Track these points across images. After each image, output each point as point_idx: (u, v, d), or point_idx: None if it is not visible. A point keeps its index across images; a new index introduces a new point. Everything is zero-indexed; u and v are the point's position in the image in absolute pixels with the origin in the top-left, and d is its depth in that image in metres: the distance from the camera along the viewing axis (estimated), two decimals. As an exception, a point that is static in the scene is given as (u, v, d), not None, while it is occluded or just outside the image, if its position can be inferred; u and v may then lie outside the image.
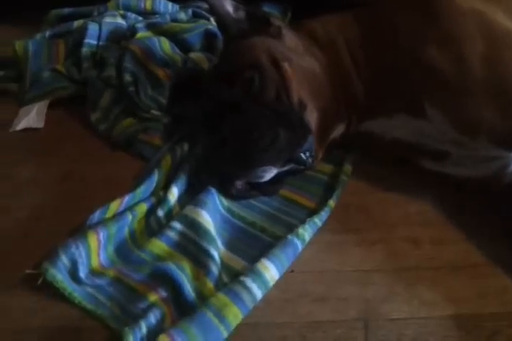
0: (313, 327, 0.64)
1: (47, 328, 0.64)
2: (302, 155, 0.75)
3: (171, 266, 0.68)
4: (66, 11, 1.28)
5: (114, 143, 0.93)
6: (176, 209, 0.78)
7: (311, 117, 0.77)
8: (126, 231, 0.74)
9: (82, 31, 1.11)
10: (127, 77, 0.98)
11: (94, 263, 0.70)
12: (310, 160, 0.76)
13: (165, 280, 0.67)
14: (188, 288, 0.66)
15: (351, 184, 0.83)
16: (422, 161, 0.82)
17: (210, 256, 0.69)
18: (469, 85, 0.71)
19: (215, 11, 0.86)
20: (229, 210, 0.78)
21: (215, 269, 0.68)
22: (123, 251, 0.73)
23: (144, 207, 0.77)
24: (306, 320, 0.65)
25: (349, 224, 0.77)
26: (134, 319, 0.63)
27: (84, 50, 1.07)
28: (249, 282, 0.64)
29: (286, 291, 0.68)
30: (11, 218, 0.81)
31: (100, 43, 1.10)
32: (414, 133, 0.79)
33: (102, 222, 0.73)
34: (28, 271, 0.69)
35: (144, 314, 0.63)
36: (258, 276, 0.65)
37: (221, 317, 0.61)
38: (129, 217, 0.74)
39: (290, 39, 0.82)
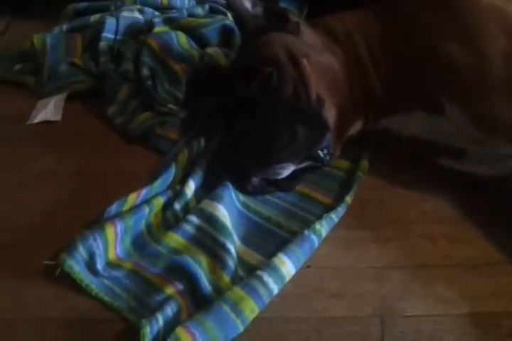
0: (328, 322, 0.64)
1: (65, 319, 0.65)
2: (320, 152, 0.75)
3: (188, 260, 0.68)
4: (83, 5, 1.27)
5: (130, 137, 0.93)
6: (192, 202, 0.78)
7: (329, 114, 0.76)
8: (143, 224, 0.75)
9: (100, 25, 1.11)
10: (145, 71, 0.98)
11: (111, 255, 0.71)
12: (328, 157, 0.76)
13: (181, 273, 0.67)
14: (205, 282, 0.66)
15: (367, 180, 0.82)
16: (438, 158, 0.82)
17: (227, 250, 0.69)
18: (490, 82, 0.70)
19: (232, 7, 0.86)
20: (245, 205, 0.78)
21: (231, 263, 0.68)
22: (140, 244, 0.73)
23: (160, 201, 0.77)
24: (321, 315, 0.65)
25: (365, 220, 0.77)
26: (150, 311, 0.63)
27: (102, 43, 1.07)
28: (265, 276, 0.65)
29: (302, 286, 0.68)
30: (29, 210, 0.82)
31: (117, 37, 1.10)
32: (431, 130, 0.79)
33: (119, 215, 0.74)
34: (45, 262, 0.70)
35: (160, 306, 0.63)
36: (275, 271, 0.65)
37: (237, 310, 0.61)
38: (146, 210, 0.75)
39: (308, 35, 0.82)
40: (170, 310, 0.63)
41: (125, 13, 1.15)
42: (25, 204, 0.83)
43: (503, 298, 0.66)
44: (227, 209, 0.74)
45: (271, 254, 0.69)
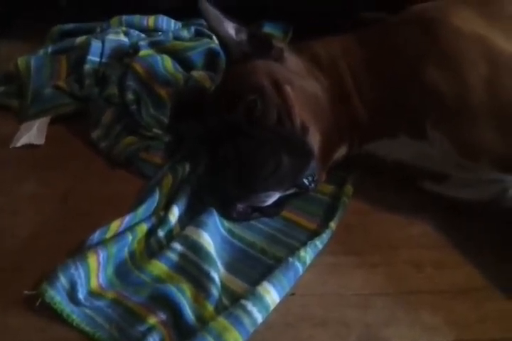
0: (314, 352, 0.63)
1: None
2: (305, 179, 0.75)
3: (171, 289, 0.67)
4: (69, 26, 1.29)
5: (114, 161, 0.93)
6: (176, 229, 0.77)
7: (314, 140, 0.77)
8: (126, 251, 0.74)
9: (85, 48, 1.12)
10: (129, 95, 0.98)
11: (94, 284, 0.69)
12: (313, 184, 0.76)
13: (164, 303, 0.66)
14: (188, 311, 0.65)
15: (352, 205, 0.82)
16: (422, 182, 0.82)
17: (211, 279, 0.68)
18: (470, 109, 0.71)
19: (216, 34, 0.85)
20: (229, 230, 0.78)
21: (215, 292, 0.67)
22: (122, 272, 0.72)
23: (144, 228, 0.76)
24: (307, 344, 0.64)
25: (350, 246, 0.77)
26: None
27: (87, 66, 1.08)
28: (249, 306, 0.64)
29: (286, 315, 0.67)
30: (11, 235, 0.80)
31: (103, 60, 1.11)
32: (415, 155, 0.79)
33: (102, 243, 0.73)
34: (26, 292, 0.68)
35: (143, 337, 0.62)
36: (259, 300, 0.65)
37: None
38: (129, 237, 0.74)
39: (292, 61, 0.82)
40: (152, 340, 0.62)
41: (111, 36, 1.16)
42: (9, 229, 0.82)
43: (488, 324, 0.66)
44: (211, 236, 0.73)
45: (255, 282, 0.68)
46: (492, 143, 0.70)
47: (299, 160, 0.72)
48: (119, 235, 0.74)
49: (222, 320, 0.62)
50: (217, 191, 0.76)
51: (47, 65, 1.12)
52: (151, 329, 0.63)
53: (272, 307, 0.66)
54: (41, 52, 1.19)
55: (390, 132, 0.79)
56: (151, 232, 0.76)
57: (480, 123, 0.71)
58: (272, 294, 0.66)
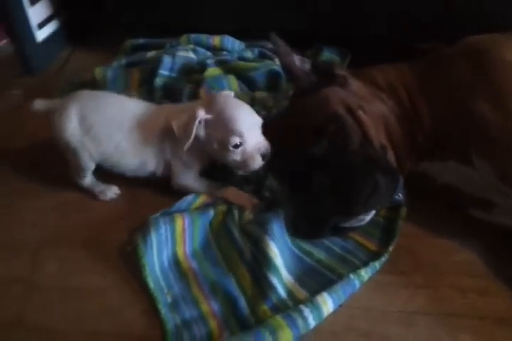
0: (357, 360, 0.67)
1: (112, 333, 0.69)
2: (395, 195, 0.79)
3: (232, 282, 0.75)
4: (141, 41, 1.38)
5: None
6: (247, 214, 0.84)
7: (392, 158, 0.81)
8: (208, 227, 0.82)
9: (157, 62, 1.20)
10: None
11: (180, 250, 0.79)
12: (403, 198, 0.80)
13: (221, 293, 0.73)
14: (244, 304, 0.72)
15: (403, 227, 0.85)
16: (470, 209, 0.85)
17: (271, 286, 0.74)
18: None
19: (286, 66, 0.90)
20: (298, 246, 0.82)
21: (273, 297, 0.72)
22: (205, 246, 0.81)
23: (224, 206, 0.85)
24: (351, 353, 0.68)
25: (398, 266, 0.80)
26: (180, 318, 0.70)
27: (158, 80, 1.16)
28: (307, 312, 0.69)
29: (333, 324, 0.71)
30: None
31: (172, 75, 1.18)
32: (462, 180, 0.83)
33: (188, 211, 0.82)
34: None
35: (190, 321, 0.69)
36: (316, 309, 0.69)
37: (275, 337, 0.66)
38: (211, 212, 0.83)
39: (356, 86, 0.87)
40: (197, 330, 0.69)
41: (181, 53, 1.24)
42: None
43: (528, 353, 0.68)
44: (279, 248, 0.78)
45: (316, 291, 0.73)
46: None
47: (390, 177, 0.76)
48: (203, 208, 0.84)
49: (279, 319, 0.67)
50: (309, 215, 0.79)
51: (121, 76, 1.21)
52: (200, 317, 0.70)
53: (325, 316, 0.71)
54: (115, 64, 1.27)
55: (440, 155, 0.83)
56: (228, 211, 0.85)
57: None
58: (328, 305, 0.71)
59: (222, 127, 0.80)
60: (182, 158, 0.87)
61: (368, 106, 0.83)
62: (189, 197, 0.86)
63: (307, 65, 0.89)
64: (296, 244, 0.82)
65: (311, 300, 0.70)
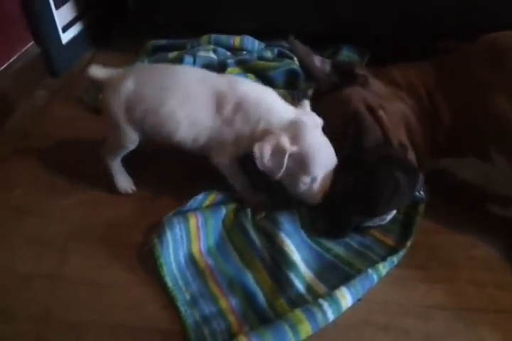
0: (375, 353, 0.68)
1: (136, 327, 0.72)
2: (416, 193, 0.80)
3: (249, 277, 0.76)
4: (162, 42, 1.40)
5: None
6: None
7: (412, 156, 0.82)
8: (221, 224, 0.84)
9: (179, 62, 1.22)
10: None
11: (195, 248, 0.81)
12: (423, 195, 0.82)
13: (239, 288, 0.75)
14: (262, 298, 0.73)
15: (421, 222, 0.86)
16: (488, 205, 0.86)
17: (289, 281, 0.75)
18: None
19: (307, 67, 0.91)
20: (317, 242, 0.84)
21: (290, 292, 0.74)
22: (219, 243, 0.83)
23: (234, 204, 0.87)
24: (369, 346, 0.69)
25: (416, 261, 0.81)
26: (199, 315, 0.72)
27: (180, 80, 1.18)
28: (325, 305, 0.70)
29: (352, 318, 0.72)
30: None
31: (194, 75, 1.20)
32: (481, 176, 0.84)
33: (201, 210, 0.84)
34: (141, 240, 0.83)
35: (209, 317, 0.71)
36: (335, 303, 0.71)
37: (295, 330, 0.67)
38: (223, 210, 0.85)
39: (376, 86, 0.88)
40: (217, 325, 0.70)
41: (202, 53, 1.27)
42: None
43: (547, 346, 0.69)
44: (295, 245, 0.80)
45: (334, 286, 0.74)
46: None
47: (410, 176, 0.77)
48: (214, 207, 0.85)
49: (299, 313, 0.69)
50: (332, 215, 0.80)
51: (144, 76, 1.23)
52: (219, 313, 0.72)
53: (344, 310, 0.72)
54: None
55: (459, 152, 0.84)
56: (239, 209, 0.87)
57: None
58: (346, 299, 0.72)
59: (300, 163, 0.78)
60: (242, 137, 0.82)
61: (388, 105, 0.84)
62: (200, 196, 0.87)
63: (327, 66, 0.90)
64: (314, 240, 0.84)
65: (329, 294, 0.72)
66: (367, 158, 0.77)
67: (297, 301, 0.73)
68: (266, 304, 0.73)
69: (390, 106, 0.84)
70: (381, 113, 0.81)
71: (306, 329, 0.68)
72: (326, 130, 0.81)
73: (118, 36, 1.57)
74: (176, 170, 0.98)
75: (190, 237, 0.80)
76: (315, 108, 0.88)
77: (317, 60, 0.90)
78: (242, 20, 1.39)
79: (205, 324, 0.70)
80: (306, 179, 0.78)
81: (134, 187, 0.94)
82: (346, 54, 1.35)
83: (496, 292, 0.76)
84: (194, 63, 1.22)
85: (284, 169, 0.77)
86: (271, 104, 0.82)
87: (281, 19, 1.36)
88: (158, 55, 1.35)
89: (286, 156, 0.76)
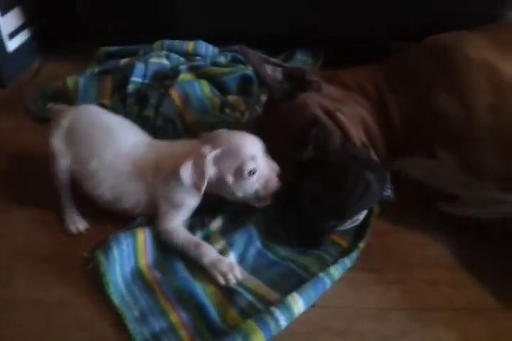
0: (332, 360, 0.68)
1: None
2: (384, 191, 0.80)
3: (198, 289, 0.74)
4: (114, 49, 1.38)
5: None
6: (214, 236, 0.84)
7: (374, 157, 0.82)
8: None
9: (129, 69, 1.20)
10: (159, 121, 1.06)
11: (142, 262, 0.79)
12: (391, 194, 0.81)
13: (189, 301, 0.73)
14: (213, 312, 0.72)
15: (374, 224, 0.87)
16: (438, 203, 0.87)
17: (234, 290, 0.75)
18: (476, 132, 0.77)
19: (259, 76, 0.90)
20: (270, 249, 0.83)
21: (239, 301, 0.73)
22: (166, 254, 0.81)
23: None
24: (325, 352, 0.69)
25: (370, 263, 0.81)
26: (149, 332, 0.69)
27: (130, 87, 1.16)
28: (277, 313, 0.69)
29: (307, 324, 0.72)
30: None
31: (145, 81, 1.19)
32: (429, 174, 0.85)
33: (149, 225, 0.82)
34: (84, 254, 0.80)
35: (160, 333, 0.69)
36: (286, 309, 0.70)
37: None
38: None
39: (330, 90, 0.88)
40: None
41: (153, 59, 1.24)
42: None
43: (501, 342, 0.69)
44: (240, 258, 0.80)
45: (287, 292, 0.73)
46: (495, 165, 0.75)
47: (378, 174, 0.77)
48: None
49: (251, 323, 0.68)
50: (302, 224, 0.79)
51: (93, 84, 1.21)
52: (170, 328, 0.70)
53: (296, 316, 0.71)
54: (88, 72, 1.27)
55: (409, 151, 0.85)
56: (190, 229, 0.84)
57: (484, 146, 0.76)
58: (299, 305, 0.71)
59: (233, 157, 0.77)
60: (173, 198, 0.82)
61: (345, 108, 0.84)
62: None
63: (278, 74, 0.89)
64: (270, 248, 0.83)
65: (281, 301, 0.71)
66: (332, 161, 0.77)
67: (249, 311, 0.72)
68: (218, 316, 0.71)
69: (347, 109, 0.84)
70: (339, 115, 0.81)
71: (259, 338, 0.67)
72: (285, 138, 0.80)
73: (68, 44, 1.53)
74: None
75: (137, 252, 0.78)
76: (270, 117, 0.88)
77: (268, 69, 0.89)
78: (196, 24, 1.37)
79: None
80: (250, 164, 0.77)
81: (83, 226, 0.87)
82: (300, 58, 1.36)
83: (450, 290, 0.77)
84: (146, 70, 1.20)
85: (207, 178, 0.76)
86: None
87: (237, 22, 1.34)
88: (109, 62, 1.32)
89: (208, 162, 0.76)
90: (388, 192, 0.82)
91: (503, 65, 0.79)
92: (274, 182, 0.79)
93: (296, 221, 0.79)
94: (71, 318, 0.73)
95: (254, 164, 0.77)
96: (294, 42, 1.38)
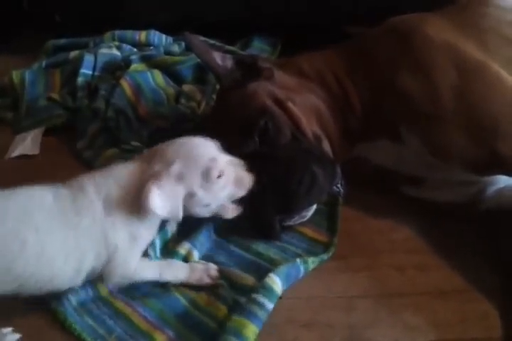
0: (299, 352, 0.65)
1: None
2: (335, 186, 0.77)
3: (181, 302, 0.70)
4: (63, 41, 1.32)
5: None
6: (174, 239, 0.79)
7: (327, 147, 0.80)
8: None
9: (78, 61, 1.15)
10: (110, 112, 1.02)
11: (104, 290, 0.71)
12: (342, 189, 0.80)
13: (173, 319, 0.68)
14: (200, 314, 0.69)
15: (340, 210, 0.85)
16: (401, 187, 0.86)
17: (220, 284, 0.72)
18: (440, 113, 0.75)
19: (206, 65, 0.87)
20: (233, 241, 0.80)
21: (225, 293, 0.70)
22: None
23: None
24: (292, 345, 0.66)
25: (337, 251, 0.79)
26: None
27: (80, 79, 1.11)
28: (261, 298, 0.67)
29: (274, 316, 0.69)
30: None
31: (95, 73, 1.14)
32: (394, 158, 0.83)
33: None
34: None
35: None
36: (268, 291, 0.68)
37: (242, 337, 0.64)
38: None
39: (282, 78, 0.85)
40: None
41: (103, 50, 1.19)
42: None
43: (469, 324, 0.69)
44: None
45: (260, 276, 0.71)
46: (461, 145, 0.74)
47: (327, 168, 0.75)
48: None
49: (238, 318, 0.65)
50: (254, 218, 0.76)
51: (41, 78, 1.15)
52: None
53: (279, 294, 0.69)
54: (35, 66, 1.21)
55: (373, 135, 0.83)
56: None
57: (449, 126, 0.75)
58: (278, 284, 0.70)
59: (193, 167, 0.67)
60: (135, 234, 0.67)
61: (296, 97, 0.81)
62: None
63: (229, 61, 0.86)
64: (233, 241, 0.80)
65: (261, 285, 0.69)
66: (280, 154, 0.74)
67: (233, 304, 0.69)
68: (207, 317, 0.68)
69: (299, 98, 0.81)
70: (290, 105, 0.78)
71: (252, 330, 0.64)
72: (232, 129, 0.77)
73: (15, 37, 1.46)
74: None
75: (95, 284, 0.71)
76: (220, 106, 0.84)
77: (218, 57, 0.85)
78: (149, 11, 1.33)
79: None
80: (213, 165, 0.67)
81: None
82: (257, 45, 1.32)
83: (418, 274, 0.75)
84: (95, 61, 1.15)
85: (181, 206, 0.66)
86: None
87: (189, 9, 1.30)
88: (58, 55, 1.26)
89: (172, 182, 0.65)
90: (338, 188, 0.80)
91: (465, 46, 0.78)
92: (246, 178, 0.70)
93: (248, 215, 0.75)
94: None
95: (218, 166, 0.68)
96: (250, 30, 1.35)
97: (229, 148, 0.73)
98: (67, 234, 0.63)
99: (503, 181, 0.80)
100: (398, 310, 0.70)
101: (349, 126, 0.83)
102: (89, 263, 0.64)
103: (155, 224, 0.70)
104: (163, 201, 0.64)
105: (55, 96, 1.09)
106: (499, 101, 0.74)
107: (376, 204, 0.87)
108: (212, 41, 1.21)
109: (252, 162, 0.72)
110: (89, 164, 0.96)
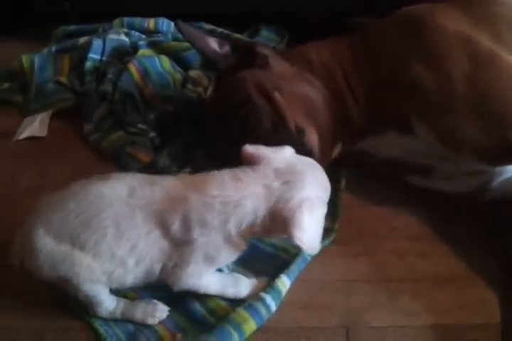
0: (297, 332, 0.67)
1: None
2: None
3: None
4: (73, 27, 1.32)
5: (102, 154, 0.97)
6: None
7: (313, 140, 0.78)
8: None
9: (87, 46, 1.16)
10: (117, 95, 1.02)
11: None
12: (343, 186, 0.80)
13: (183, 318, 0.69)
14: (198, 305, 0.69)
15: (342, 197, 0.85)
16: (409, 177, 0.85)
17: None
18: (453, 103, 0.75)
19: (199, 49, 0.87)
20: None
21: None
22: None
23: None
24: (290, 325, 0.67)
25: (337, 236, 0.79)
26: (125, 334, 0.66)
27: (88, 64, 1.12)
28: (269, 299, 0.68)
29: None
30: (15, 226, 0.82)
31: (103, 58, 1.14)
32: (403, 150, 0.82)
33: None
34: None
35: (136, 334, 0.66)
36: (277, 294, 0.69)
37: (240, 331, 0.64)
38: None
39: (278, 67, 0.84)
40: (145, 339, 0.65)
41: (112, 36, 1.20)
42: (11, 220, 0.83)
43: (467, 310, 0.69)
44: None
45: (273, 275, 0.71)
46: (473, 135, 0.74)
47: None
48: None
49: (242, 312, 0.66)
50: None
51: (50, 62, 1.16)
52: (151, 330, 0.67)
53: (283, 296, 0.70)
54: (45, 51, 1.22)
55: (379, 129, 0.82)
56: None
57: (462, 116, 0.74)
58: (286, 287, 0.70)
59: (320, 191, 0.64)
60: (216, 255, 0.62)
61: (288, 87, 0.81)
62: None
63: (227, 47, 0.86)
64: None
65: (271, 286, 0.69)
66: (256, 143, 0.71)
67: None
68: (204, 310, 0.68)
69: (291, 88, 0.81)
70: (276, 95, 0.78)
71: (251, 326, 0.65)
72: (217, 114, 0.78)
73: (26, 23, 1.47)
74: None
75: None
76: (214, 92, 0.85)
77: (214, 43, 0.85)
78: (155, 2, 1.33)
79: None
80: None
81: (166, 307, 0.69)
82: (265, 34, 1.31)
83: (417, 260, 0.76)
84: (103, 46, 1.15)
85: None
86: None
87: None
88: (68, 41, 1.27)
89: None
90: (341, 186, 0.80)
91: (477, 37, 0.78)
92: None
93: None
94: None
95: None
96: (257, 20, 1.34)
97: (211, 135, 0.75)
98: (138, 240, 0.60)
99: (510, 171, 0.79)
100: (397, 295, 0.71)
101: (351, 121, 0.83)
102: (157, 270, 0.63)
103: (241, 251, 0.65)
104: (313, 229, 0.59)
105: (64, 80, 1.10)
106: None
107: (378, 191, 0.87)
108: (220, 29, 1.22)
109: (231, 150, 0.70)
110: (95, 147, 0.98)
